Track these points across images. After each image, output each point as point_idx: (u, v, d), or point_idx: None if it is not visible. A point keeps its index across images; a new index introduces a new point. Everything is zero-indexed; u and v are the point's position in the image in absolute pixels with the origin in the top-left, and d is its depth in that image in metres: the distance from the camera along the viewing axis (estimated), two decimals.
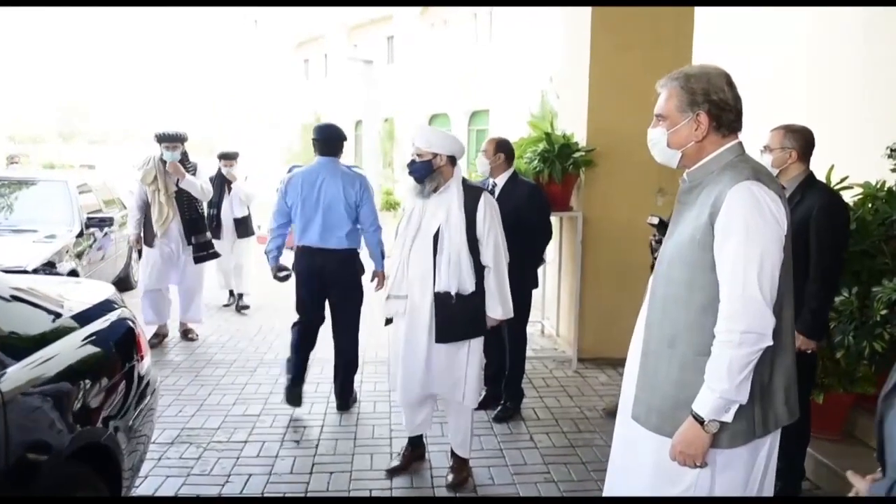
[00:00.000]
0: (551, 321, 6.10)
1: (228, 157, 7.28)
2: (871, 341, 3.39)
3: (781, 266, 1.77)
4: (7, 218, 6.25)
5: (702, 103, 1.84)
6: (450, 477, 3.48)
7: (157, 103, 50.12)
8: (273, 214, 4.38)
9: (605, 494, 2.18)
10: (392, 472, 3.54)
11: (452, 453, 3.55)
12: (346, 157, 5.26)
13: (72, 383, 2.15)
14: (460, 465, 3.52)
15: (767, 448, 1.92)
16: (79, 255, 6.09)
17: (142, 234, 5.73)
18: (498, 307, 3.31)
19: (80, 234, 6.24)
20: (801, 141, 3.07)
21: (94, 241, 6.62)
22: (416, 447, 3.66)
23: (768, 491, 1.98)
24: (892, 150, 4.47)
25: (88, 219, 6.44)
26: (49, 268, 5.25)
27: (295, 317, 4.40)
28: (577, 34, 5.48)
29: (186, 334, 6.04)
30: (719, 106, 1.83)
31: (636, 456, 2.00)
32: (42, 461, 1.93)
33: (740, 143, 1.89)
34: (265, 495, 3.32)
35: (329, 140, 4.33)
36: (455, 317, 3.20)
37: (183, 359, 5.48)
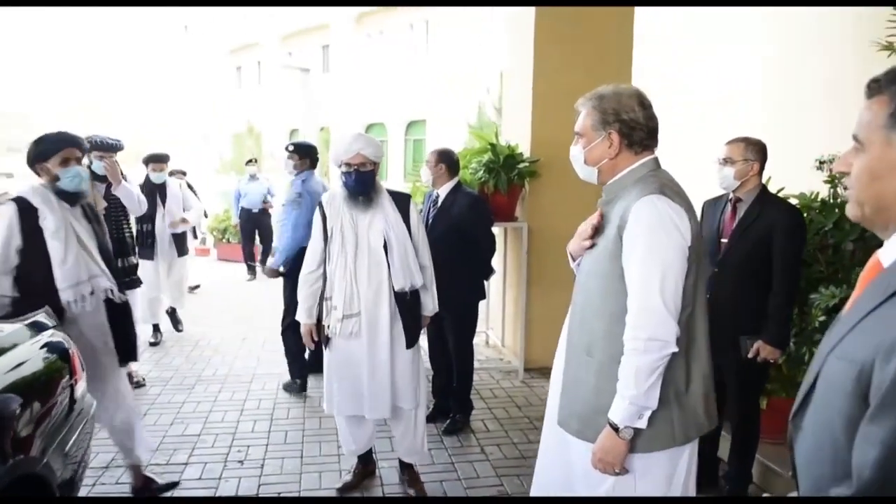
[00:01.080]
0: (496, 331, 6.10)
1: (158, 160, 6.16)
2: (811, 347, 3.49)
3: (691, 275, 1.84)
4: None
5: (612, 122, 1.91)
6: (411, 491, 3.44)
7: (79, 110, 48.14)
8: (295, 230, 4.65)
9: (532, 494, 2.25)
10: (343, 490, 3.44)
11: (406, 467, 3.50)
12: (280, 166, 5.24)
13: (5, 409, 1.99)
14: (415, 476, 3.50)
15: (687, 456, 1.96)
16: None
17: None
18: (430, 303, 3.41)
19: None
20: (761, 154, 3.16)
21: None
22: (366, 463, 3.59)
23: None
24: (820, 163, 4.65)
25: None
26: None
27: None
28: (520, 48, 5.52)
29: (130, 378, 4.90)
30: (629, 125, 1.91)
31: (560, 460, 2.08)
32: None
33: (655, 159, 1.97)
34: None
35: (316, 155, 5.01)
36: (415, 317, 3.29)
37: None
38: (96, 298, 3.10)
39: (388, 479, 3.60)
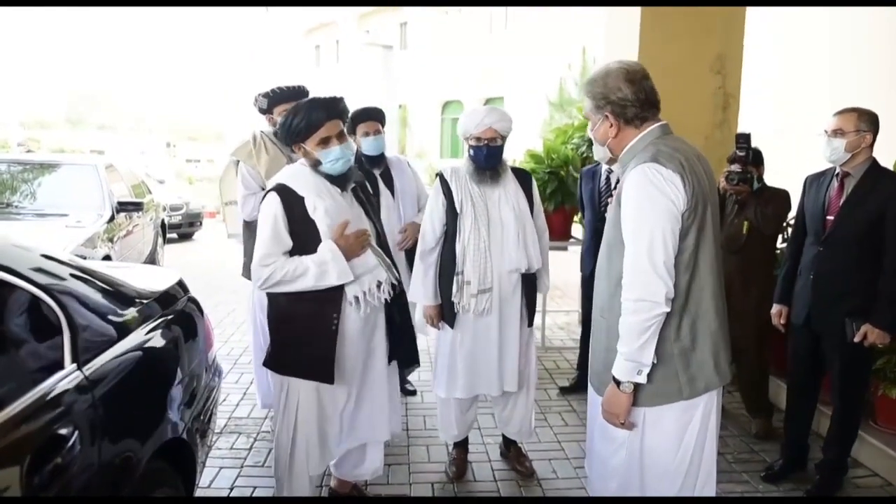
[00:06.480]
0: None
1: (371, 118, 3.83)
2: None
3: (691, 238, 1.90)
4: (32, 203, 6.12)
5: (604, 106, 2.00)
6: (522, 468, 3.42)
7: (167, 91, 49.91)
8: None
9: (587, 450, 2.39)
10: (457, 478, 3.38)
11: (510, 443, 3.49)
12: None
13: (159, 373, 2.05)
14: (521, 453, 3.49)
15: (702, 409, 2.02)
16: (110, 241, 5.97)
17: None
18: (546, 282, 3.36)
19: (111, 220, 6.11)
20: (874, 125, 2.94)
21: (125, 226, 6.50)
22: (465, 447, 3.53)
23: (710, 452, 2.08)
24: None
25: (119, 204, 6.31)
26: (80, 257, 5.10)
27: None
28: (624, 23, 5.33)
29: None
30: (620, 105, 1.98)
31: (593, 415, 2.22)
32: (135, 458, 1.84)
33: (660, 127, 2.01)
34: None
35: None
36: (534, 295, 3.26)
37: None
38: (381, 294, 2.66)
39: (494, 456, 3.59)
